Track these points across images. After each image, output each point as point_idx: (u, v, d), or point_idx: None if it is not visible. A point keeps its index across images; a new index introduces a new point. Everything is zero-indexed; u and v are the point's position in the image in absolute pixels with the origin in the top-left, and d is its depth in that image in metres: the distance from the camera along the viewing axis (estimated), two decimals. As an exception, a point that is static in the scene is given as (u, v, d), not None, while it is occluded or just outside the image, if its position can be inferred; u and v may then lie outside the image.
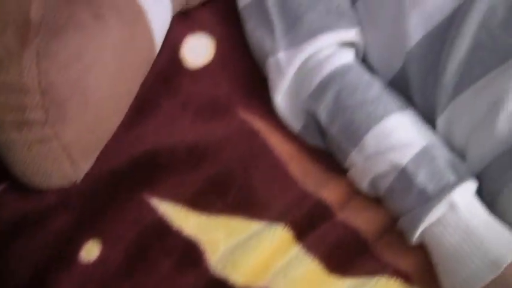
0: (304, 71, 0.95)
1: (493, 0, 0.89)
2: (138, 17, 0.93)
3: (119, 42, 0.90)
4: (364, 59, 1.00)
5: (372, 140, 0.89)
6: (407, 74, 0.95)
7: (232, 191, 0.92)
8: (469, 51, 0.89)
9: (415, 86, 0.94)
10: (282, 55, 0.95)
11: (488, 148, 0.88)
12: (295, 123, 0.96)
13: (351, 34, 0.97)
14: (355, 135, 0.90)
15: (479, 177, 0.89)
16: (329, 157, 0.95)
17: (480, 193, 0.89)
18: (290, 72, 0.95)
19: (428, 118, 0.93)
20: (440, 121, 0.92)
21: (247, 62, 1.02)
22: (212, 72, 1.00)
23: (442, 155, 0.89)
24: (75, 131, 0.87)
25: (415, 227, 0.86)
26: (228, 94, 0.99)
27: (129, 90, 0.94)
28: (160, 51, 0.99)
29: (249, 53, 1.02)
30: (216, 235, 0.89)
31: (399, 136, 0.89)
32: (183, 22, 1.04)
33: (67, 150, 0.87)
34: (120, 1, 0.92)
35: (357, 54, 0.99)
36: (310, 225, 0.90)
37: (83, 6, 0.88)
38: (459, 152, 0.91)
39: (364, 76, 0.95)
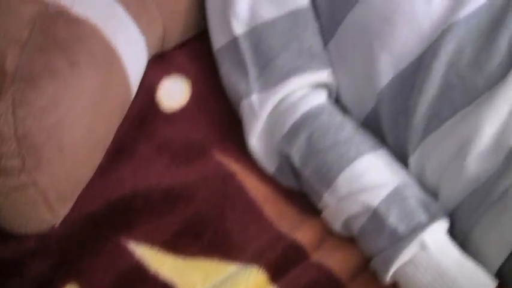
0: (277, 114, 0.96)
1: (461, 40, 0.91)
2: (114, 62, 0.94)
3: (94, 88, 0.91)
4: (337, 99, 1.01)
5: (344, 181, 0.90)
6: (379, 114, 0.96)
7: (208, 233, 0.93)
8: (438, 92, 0.91)
9: (387, 126, 0.96)
10: (255, 98, 0.97)
11: (460, 187, 0.89)
12: (269, 165, 0.97)
13: (323, 75, 0.99)
14: (328, 177, 0.91)
15: (452, 215, 0.90)
16: (304, 198, 0.96)
17: (453, 231, 0.90)
18: (263, 115, 0.96)
19: (401, 157, 0.94)
20: (412, 160, 0.93)
21: (223, 104, 1.03)
22: (188, 115, 1.02)
23: (414, 194, 0.90)
24: (51, 177, 0.88)
25: (387, 267, 0.87)
26: (204, 136, 1.01)
27: (105, 135, 0.95)
28: (136, 94, 1.01)
29: (224, 94, 1.03)
30: (192, 278, 0.90)
31: (371, 177, 0.91)
32: (158, 65, 1.06)
33: (44, 196, 0.88)
34: (95, 47, 0.93)
35: (330, 94, 1.01)
36: (285, 267, 0.90)
37: (58, 54, 0.89)
38: (432, 191, 0.92)
39: (337, 117, 0.96)
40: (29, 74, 0.86)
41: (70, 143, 0.88)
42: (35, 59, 0.87)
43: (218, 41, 1.03)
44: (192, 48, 1.09)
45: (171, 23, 1.06)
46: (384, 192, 0.89)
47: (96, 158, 0.95)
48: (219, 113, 1.03)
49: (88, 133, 0.91)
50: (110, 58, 0.94)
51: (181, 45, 1.10)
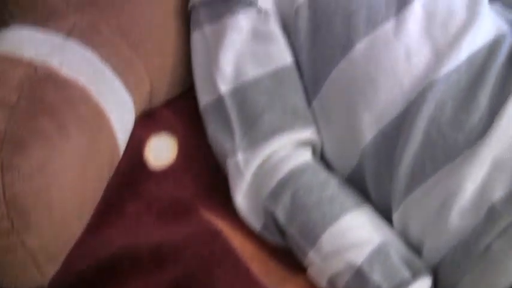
0: (262, 172, 0.98)
1: (441, 97, 0.92)
2: (102, 124, 0.96)
3: (82, 150, 0.92)
4: (322, 155, 1.03)
5: (328, 240, 0.92)
6: (363, 170, 0.98)
7: (196, 292, 0.94)
8: (420, 149, 0.92)
9: (371, 182, 0.97)
10: (240, 157, 0.98)
11: (443, 242, 0.90)
12: (255, 222, 0.98)
13: (307, 134, 1.01)
14: (312, 235, 0.92)
15: (436, 271, 0.91)
16: (290, 254, 0.97)
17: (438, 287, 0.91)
18: (248, 173, 0.98)
19: (385, 213, 0.96)
20: (396, 216, 0.95)
21: (210, 161, 1.04)
22: (175, 173, 1.03)
23: (397, 251, 0.91)
24: (40, 238, 0.89)
25: None
26: (191, 194, 1.02)
27: (93, 195, 0.96)
28: (123, 152, 1.02)
29: (211, 151, 1.04)
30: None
31: (354, 235, 0.92)
32: (146, 122, 1.07)
33: (33, 256, 0.89)
34: (84, 109, 0.94)
35: (314, 151, 1.02)
36: (273, 323, 0.91)
37: (46, 117, 0.90)
38: (415, 246, 0.93)
39: (321, 175, 0.98)
40: (17, 137, 0.87)
41: (59, 204, 0.89)
42: (23, 123, 0.88)
43: (204, 98, 1.05)
44: (179, 105, 1.11)
45: (158, 81, 1.08)
46: (367, 250, 0.90)
47: (84, 218, 0.96)
48: (206, 170, 1.05)
49: (76, 194, 0.92)
50: (98, 119, 0.96)
51: (169, 102, 1.12)
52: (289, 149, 0.99)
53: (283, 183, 0.96)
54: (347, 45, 0.98)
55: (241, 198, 0.98)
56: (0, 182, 0.85)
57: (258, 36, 1.03)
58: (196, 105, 1.07)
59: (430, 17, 0.98)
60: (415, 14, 0.98)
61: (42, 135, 0.89)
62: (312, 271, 0.94)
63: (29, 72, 0.93)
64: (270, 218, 0.97)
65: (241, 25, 1.03)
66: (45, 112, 0.91)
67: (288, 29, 1.04)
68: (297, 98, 1.02)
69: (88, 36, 1.00)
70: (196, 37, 1.07)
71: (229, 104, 1.01)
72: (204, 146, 1.05)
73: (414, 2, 0.99)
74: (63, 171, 0.89)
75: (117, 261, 0.95)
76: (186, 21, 1.10)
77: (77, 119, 0.93)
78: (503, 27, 1.00)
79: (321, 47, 1.00)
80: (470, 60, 0.94)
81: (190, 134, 1.07)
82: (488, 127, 0.90)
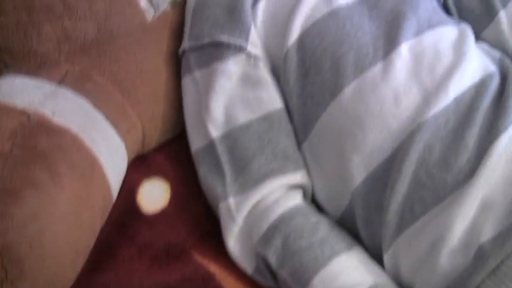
0: (254, 216, 0.99)
1: (429, 139, 0.93)
2: (95, 171, 0.97)
3: (75, 197, 0.93)
4: (313, 198, 1.04)
5: (319, 283, 0.92)
6: (353, 212, 0.98)
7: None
8: (409, 191, 0.93)
9: (361, 224, 0.98)
10: (232, 201, 0.99)
11: (434, 283, 0.91)
12: (248, 265, 0.99)
13: (298, 177, 1.02)
14: (304, 278, 0.93)
15: None
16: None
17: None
18: (240, 217, 0.99)
19: (376, 254, 0.97)
20: (387, 258, 0.95)
21: (202, 205, 1.05)
22: (168, 217, 1.04)
23: (388, 293, 0.92)
24: (34, 286, 0.89)
25: None
26: (184, 238, 1.03)
27: (86, 242, 0.97)
28: (117, 197, 1.03)
29: (203, 195, 1.05)
30: None
31: (346, 277, 0.92)
32: (138, 167, 1.09)
33: (27, 304, 0.90)
34: (76, 157, 0.95)
35: (305, 194, 1.03)
36: None
37: (39, 166, 0.91)
38: (407, 287, 0.94)
39: (311, 218, 0.99)
40: (10, 186, 0.88)
41: (52, 252, 0.90)
42: (16, 172, 0.89)
43: (195, 143, 1.06)
44: (172, 149, 1.13)
45: (151, 127, 1.09)
46: None
47: (78, 264, 0.96)
48: (198, 213, 1.06)
49: (70, 241, 0.93)
50: (91, 166, 0.97)
51: (161, 146, 1.13)
52: (280, 193, 1.00)
53: (274, 227, 0.97)
54: (335, 90, 0.99)
55: (233, 241, 0.99)
56: (-6, 231, 0.86)
57: (248, 81, 1.05)
58: (188, 149, 1.08)
59: (417, 59, 0.99)
60: (402, 57, 0.99)
61: (36, 184, 0.90)
62: (304, 314, 0.94)
63: (22, 121, 0.94)
64: (262, 262, 0.97)
65: (231, 70, 1.05)
66: (38, 160, 0.92)
67: (278, 72, 1.06)
68: (287, 141, 1.03)
69: (80, 84, 1.02)
70: (187, 82, 1.09)
71: (220, 148, 1.02)
72: (196, 189, 1.06)
73: (401, 44, 1.00)
74: (56, 219, 0.90)
75: (111, 307, 0.96)
76: (177, 66, 1.12)
77: (70, 166, 0.94)
78: (491, 67, 1.01)
79: (311, 91, 1.01)
80: (457, 101, 0.95)
81: (182, 178, 1.08)
82: (476, 168, 0.90)
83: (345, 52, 1.00)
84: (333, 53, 1.01)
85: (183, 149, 1.09)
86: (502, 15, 1.12)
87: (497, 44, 1.12)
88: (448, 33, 1.03)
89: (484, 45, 1.08)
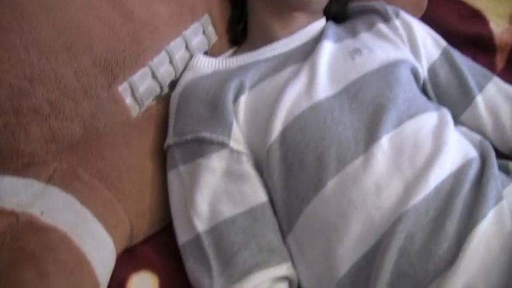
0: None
1: (410, 228, 0.95)
2: (83, 267, 0.98)
3: (63, 296, 0.95)
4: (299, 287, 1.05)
5: None
6: (339, 301, 0.99)
7: None
8: (391, 280, 0.94)
9: (347, 312, 0.99)
10: (218, 294, 1.00)
11: None
12: None
13: (283, 269, 1.03)
14: None
15: None
16: None
17: None
18: (227, 313, 1.00)
19: None
20: None
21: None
22: (156, 310, 1.05)
23: None
24: None
25: None
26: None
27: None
28: (106, 291, 1.04)
29: (191, 287, 1.06)
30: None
31: None
32: (127, 260, 1.10)
33: None
34: (65, 255, 0.96)
35: (291, 285, 1.04)
36: None
37: (27, 266, 0.92)
38: None
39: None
40: (0, 288, 0.90)
41: None
42: (6, 274, 0.91)
43: (182, 236, 1.07)
44: (159, 241, 1.14)
45: (138, 221, 1.11)
46: None
47: None
48: (186, 306, 1.07)
49: None
50: (79, 263, 0.98)
51: (149, 237, 1.14)
52: (267, 285, 1.01)
53: None
54: (318, 184, 1.01)
55: (220, 333, 1.00)
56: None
57: (232, 175, 1.06)
58: (175, 240, 1.09)
59: (397, 150, 1.01)
60: (383, 149, 1.01)
61: (24, 285, 0.91)
62: None
63: (11, 222, 0.95)
64: None
65: (214, 166, 1.07)
66: (27, 261, 0.93)
67: (261, 167, 1.07)
68: (272, 234, 1.05)
69: (68, 181, 1.04)
70: (172, 177, 1.11)
71: (207, 242, 1.04)
72: (184, 282, 1.06)
73: (382, 137, 1.02)
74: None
75: None
76: (163, 161, 1.14)
77: (59, 265, 0.95)
78: (471, 152, 1.03)
79: (294, 186, 1.03)
80: (437, 189, 0.97)
81: (170, 270, 1.10)
82: (457, 255, 0.92)
83: (327, 147, 1.02)
84: (315, 148, 1.02)
85: (171, 240, 1.11)
86: (479, 99, 1.15)
87: (475, 127, 1.15)
88: (427, 120, 1.05)
89: (464, 129, 1.11)
